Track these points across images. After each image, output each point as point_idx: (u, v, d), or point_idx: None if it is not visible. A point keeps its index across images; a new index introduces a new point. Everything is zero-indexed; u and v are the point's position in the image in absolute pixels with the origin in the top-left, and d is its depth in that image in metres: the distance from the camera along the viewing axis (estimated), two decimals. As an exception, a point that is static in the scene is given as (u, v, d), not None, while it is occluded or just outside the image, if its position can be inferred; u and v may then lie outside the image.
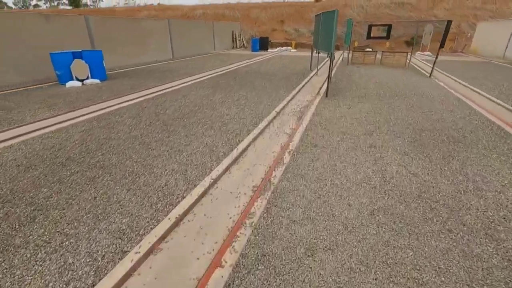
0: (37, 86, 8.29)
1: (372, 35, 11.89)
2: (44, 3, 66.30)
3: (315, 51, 10.52)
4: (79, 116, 5.50)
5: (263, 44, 19.81)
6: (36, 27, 9.07)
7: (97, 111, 5.87)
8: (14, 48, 8.50)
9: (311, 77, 10.01)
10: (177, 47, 16.21)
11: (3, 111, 5.78)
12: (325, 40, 8.08)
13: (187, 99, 6.78)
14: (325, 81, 9.16)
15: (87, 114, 5.66)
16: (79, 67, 8.49)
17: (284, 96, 7.15)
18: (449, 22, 8.85)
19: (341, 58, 15.44)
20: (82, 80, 8.56)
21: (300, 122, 5.27)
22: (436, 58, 9.55)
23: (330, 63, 7.10)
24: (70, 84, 8.20)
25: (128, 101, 6.64)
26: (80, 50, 8.75)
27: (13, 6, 63.58)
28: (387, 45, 19.48)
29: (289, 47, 21.93)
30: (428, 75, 10.13)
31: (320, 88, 8.12)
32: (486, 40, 17.00)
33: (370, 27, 11.73)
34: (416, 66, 12.71)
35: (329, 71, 7.21)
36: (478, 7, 25.54)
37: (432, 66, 9.92)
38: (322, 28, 8.63)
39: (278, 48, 21.91)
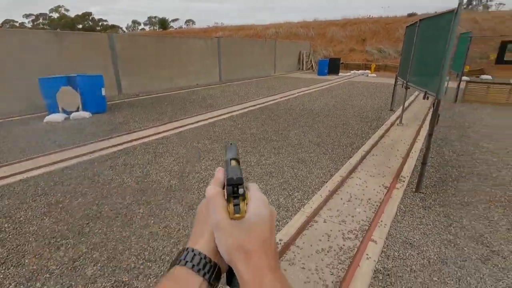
0: (25, 116, 6.74)
1: (506, 59, 7.19)
2: (149, 27, 75.73)
3: (401, 83, 6.58)
4: None
5: (332, 66, 16.13)
6: (44, 47, 7.76)
7: (-14, 183, 3.48)
8: (14, 72, 7.22)
9: (390, 126, 6.09)
10: (227, 69, 14.01)
11: None
12: (426, 69, 4.31)
13: (124, 175, 3.91)
14: (414, 139, 5.16)
15: (-42, 191, 3.30)
16: (67, 96, 6.65)
17: (325, 177, 3.63)
18: None
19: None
20: (70, 112, 6.69)
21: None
22: None
23: (433, 119, 3.28)
24: (48, 118, 6.35)
25: (63, 160, 4.15)
26: (75, 75, 6.97)
27: (126, 30, 74.36)
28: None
29: (366, 71, 17.63)
30: None
31: (405, 160, 4.25)
32: None
33: (504, 45, 7.06)
34: None
35: (428, 144, 3.37)
36: None
37: None
38: (420, 46, 4.82)
39: (352, 71, 17.86)
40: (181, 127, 5.87)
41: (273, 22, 34.89)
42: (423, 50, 4.64)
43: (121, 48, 9.52)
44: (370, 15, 29.42)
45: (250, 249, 0.35)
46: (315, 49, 24.28)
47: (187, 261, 0.36)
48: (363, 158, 4.32)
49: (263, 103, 8.44)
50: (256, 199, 0.39)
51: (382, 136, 5.33)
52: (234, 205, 0.37)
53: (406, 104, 7.94)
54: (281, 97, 9.36)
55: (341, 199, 3.15)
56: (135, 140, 5.05)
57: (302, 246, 2.40)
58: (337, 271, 2.13)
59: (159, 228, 2.65)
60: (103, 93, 7.20)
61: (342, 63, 18.26)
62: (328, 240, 2.46)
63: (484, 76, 14.79)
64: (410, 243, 2.45)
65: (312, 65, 20.22)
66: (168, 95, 9.81)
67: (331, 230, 2.60)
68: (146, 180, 3.57)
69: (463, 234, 2.57)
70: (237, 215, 0.36)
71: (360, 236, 2.52)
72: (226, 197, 0.38)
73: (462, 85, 8.70)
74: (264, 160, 4.22)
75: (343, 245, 2.41)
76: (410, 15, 25.64)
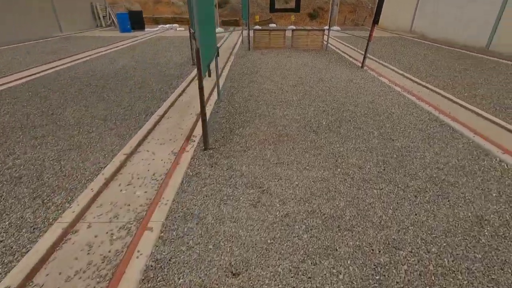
0: None
1: (277, 7, 8.30)
2: None
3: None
4: None
5: (135, 21, 14.20)
6: None
7: None
8: None
9: (190, 82, 5.86)
10: (-29, 31, 9.47)
11: None
12: (205, 21, 3.99)
13: None
14: (211, 91, 5.13)
15: None
16: None
17: (105, 161, 2.89)
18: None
19: (240, 39, 11.57)
20: None
21: None
22: (370, 40, 6.60)
23: (216, 71, 3.08)
24: None
25: None
26: None
27: None
28: (292, 18, 16.54)
29: (175, 25, 16.82)
30: (359, 64, 7.29)
31: (198, 117, 4.10)
32: (392, 12, 15.62)
33: (273, -6, 8.06)
34: (334, 47, 9.86)
35: (200, 98, 3.18)
36: (371, -23, 24.97)
37: (364, 53, 6.98)
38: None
39: (160, 26, 16.56)
40: None
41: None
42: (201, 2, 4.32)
43: None
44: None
45: None
46: (114, 0, 20.65)
47: None
48: (156, 123, 3.82)
49: (34, 74, 6.22)
50: None
51: (180, 94, 4.99)
52: None
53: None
54: (65, 63, 7.25)
55: (119, 185, 2.56)
56: None
57: (45, 281, 1.69)
58: (92, 297, 1.60)
59: None
60: None
61: (146, 16, 16.47)
62: (88, 253, 1.86)
63: (272, 25, 17.37)
64: (191, 213, 2.24)
65: (113, 21, 17.20)
66: None
67: (95, 237, 2.00)
68: None
69: (241, 183, 2.61)
70: None
71: (134, 229, 2.07)
72: None
73: (252, 33, 9.60)
74: (13, 160, 2.94)
75: (109, 251, 1.88)
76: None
